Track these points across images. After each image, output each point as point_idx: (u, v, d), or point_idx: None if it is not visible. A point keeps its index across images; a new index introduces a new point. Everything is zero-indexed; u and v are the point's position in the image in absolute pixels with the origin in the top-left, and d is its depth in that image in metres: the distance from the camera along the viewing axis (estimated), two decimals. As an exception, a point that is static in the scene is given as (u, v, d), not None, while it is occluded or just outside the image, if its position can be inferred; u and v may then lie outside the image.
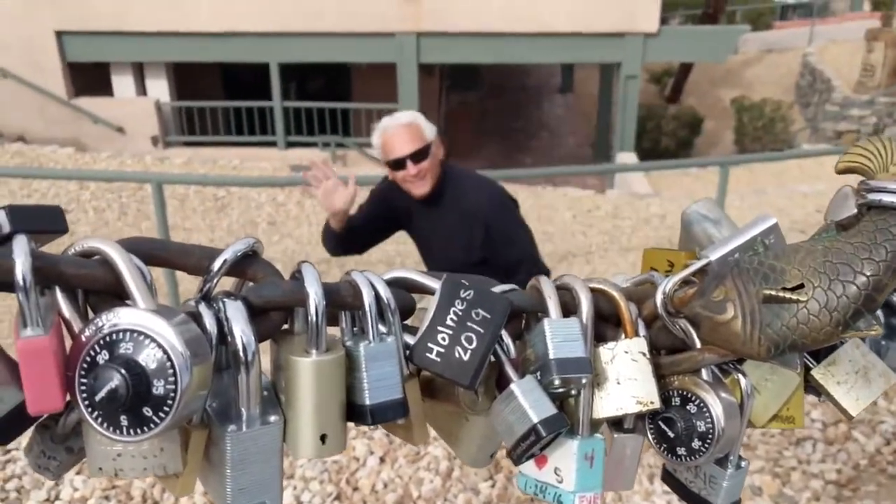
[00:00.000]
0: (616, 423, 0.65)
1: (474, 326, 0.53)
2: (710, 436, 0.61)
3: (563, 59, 13.71)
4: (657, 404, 0.60)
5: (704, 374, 0.63)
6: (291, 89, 13.33)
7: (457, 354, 0.53)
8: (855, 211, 0.58)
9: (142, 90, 12.36)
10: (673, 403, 0.63)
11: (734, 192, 7.59)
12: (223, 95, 13.39)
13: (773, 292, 0.56)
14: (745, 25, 14.63)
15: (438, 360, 0.53)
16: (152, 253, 0.51)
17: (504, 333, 0.57)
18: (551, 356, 0.55)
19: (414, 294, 0.59)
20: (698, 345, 0.62)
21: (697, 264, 0.63)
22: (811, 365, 0.68)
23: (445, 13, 11.30)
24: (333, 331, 0.55)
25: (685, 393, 0.63)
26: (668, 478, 0.70)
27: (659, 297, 0.63)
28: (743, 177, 9.91)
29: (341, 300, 0.53)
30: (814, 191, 9.48)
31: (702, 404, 0.62)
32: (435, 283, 0.56)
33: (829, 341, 0.56)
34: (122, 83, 12.24)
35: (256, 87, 12.18)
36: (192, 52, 11.62)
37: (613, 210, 8.76)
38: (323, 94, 13.03)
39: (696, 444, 0.62)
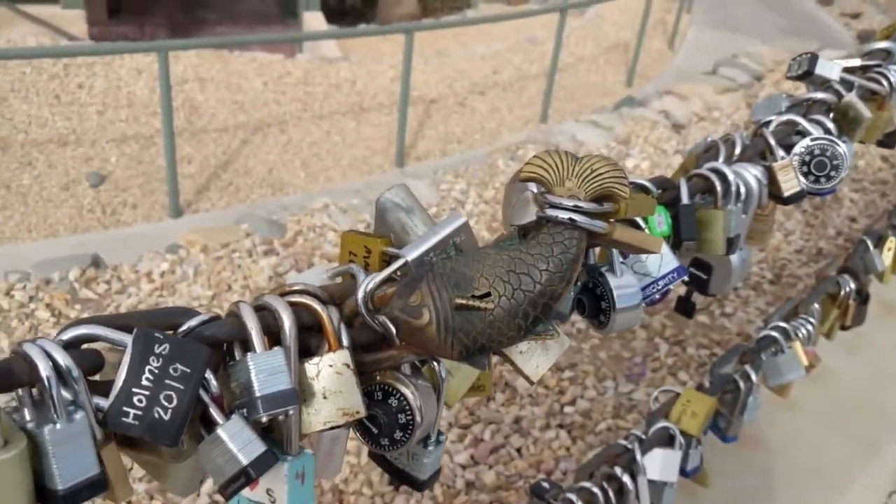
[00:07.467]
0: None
1: (173, 384, 0.50)
2: (410, 427, 0.65)
3: None
4: (363, 413, 0.62)
5: (404, 366, 0.67)
6: None
7: (156, 415, 0.50)
8: (535, 218, 0.63)
9: None
10: (375, 398, 0.66)
11: (419, 55, 7.80)
12: None
13: (465, 301, 0.60)
14: None
15: (136, 423, 0.50)
16: None
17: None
18: (257, 393, 0.54)
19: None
20: (398, 342, 0.65)
21: (396, 264, 0.65)
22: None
23: None
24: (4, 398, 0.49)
25: (387, 388, 0.66)
26: (375, 455, 0.74)
27: (360, 296, 0.65)
28: (426, 39, 10.16)
29: (17, 381, 0.47)
30: (490, 52, 10.05)
31: (402, 398, 0.65)
32: (125, 338, 0.51)
33: (514, 343, 0.62)
34: None
35: None
36: None
37: (304, 76, 8.59)
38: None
39: (397, 434, 0.66)
